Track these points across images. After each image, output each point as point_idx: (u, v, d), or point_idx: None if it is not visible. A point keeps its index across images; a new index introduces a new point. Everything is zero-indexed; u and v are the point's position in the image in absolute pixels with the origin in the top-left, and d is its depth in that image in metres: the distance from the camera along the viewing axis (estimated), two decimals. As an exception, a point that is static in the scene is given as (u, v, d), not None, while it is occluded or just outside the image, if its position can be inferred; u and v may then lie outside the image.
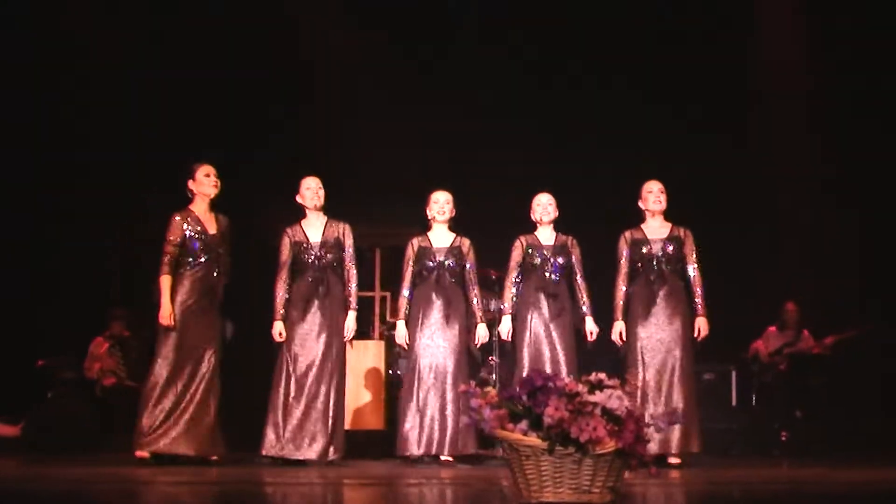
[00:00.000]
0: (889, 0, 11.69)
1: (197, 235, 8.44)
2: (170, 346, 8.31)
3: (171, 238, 8.41)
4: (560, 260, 8.93)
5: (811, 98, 12.37)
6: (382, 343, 10.47)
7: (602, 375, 5.23)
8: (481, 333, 8.87)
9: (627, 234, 8.88)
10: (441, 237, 8.96)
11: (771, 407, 11.48)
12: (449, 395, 8.68)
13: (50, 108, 12.07)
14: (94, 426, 10.92)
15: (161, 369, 8.28)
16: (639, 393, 8.39)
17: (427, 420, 8.66)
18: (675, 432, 8.39)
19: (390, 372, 10.74)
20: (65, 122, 12.12)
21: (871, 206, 12.01)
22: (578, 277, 8.96)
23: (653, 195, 8.81)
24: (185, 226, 8.44)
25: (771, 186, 12.46)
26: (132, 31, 12.20)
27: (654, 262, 8.75)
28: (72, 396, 11.19)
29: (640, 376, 8.51)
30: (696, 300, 8.71)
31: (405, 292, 8.96)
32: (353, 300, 8.73)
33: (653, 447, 8.06)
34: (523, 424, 5.13)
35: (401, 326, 8.91)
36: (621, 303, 8.81)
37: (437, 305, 8.85)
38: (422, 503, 5.61)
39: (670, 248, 8.77)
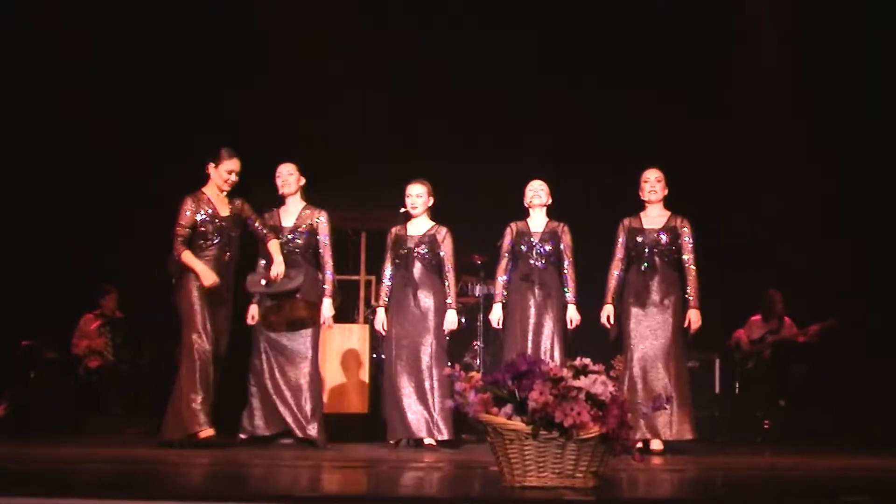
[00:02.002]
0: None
1: (208, 218, 8.47)
2: (198, 326, 8.31)
3: (182, 221, 8.44)
4: (548, 247, 8.96)
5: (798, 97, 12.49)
6: (367, 327, 10.49)
7: (587, 360, 5.25)
8: (450, 319, 8.92)
9: (626, 221, 8.94)
10: (417, 226, 9.02)
11: (754, 395, 11.54)
12: (426, 382, 8.78)
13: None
14: (76, 407, 10.92)
15: (198, 346, 8.29)
16: (626, 379, 8.45)
17: (407, 405, 8.70)
18: (666, 418, 8.45)
19: (374, 356, 10.75)
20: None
21: (856, 197, 12.10)
22: (566, 264, 9.01)
23: (648, 185, 8.88)
24: (196, 208, 8.46)
25: (756, 175, 12.52)
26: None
27: (648, 251, 8.78)
28: (54, 377, 11.19)
29: (629, 362, 8.56)
30: (689, 290, 8.72)
31: (384, 280, 9.04)
32: (328, 287, 8.82)
33: (642, 432, 8.18)
34: (507, 408, 5.14)
35: (380, 313, 9.04)
36: (613, 286, 8.85)
37: (409, 292, 8.91)
38: (404, 486, 5.61)
39: (665, 238, 8.80)
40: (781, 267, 12.32)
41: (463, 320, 11.56)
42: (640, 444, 7.93)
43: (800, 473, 6.77)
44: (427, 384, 8.78)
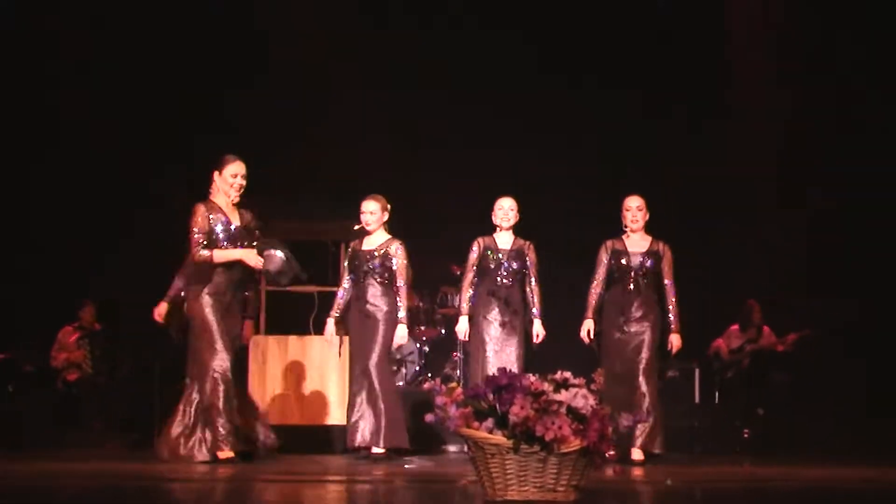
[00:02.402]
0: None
1: (222, 227, 8.17)
2: (216, 344, 8.04)
3: (197, 228, 8.10)
4: (515, 265, 9.09)
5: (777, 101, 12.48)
6: (347, 338, 10.50)
7: (567, 374, 5.27)
8: (399, 334, 8.94)
9: (609, 243, 9.07)
10: (372, 241, 9.06)
11: (733, 404, 11.55)
12: (374, 392, 8.80)
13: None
14: (55, 420, 10.90)
15: (219, 368, 8.00)
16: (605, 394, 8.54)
17: (361, 414, 8.80)
18: (639, 431, 8.58)
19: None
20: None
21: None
22: (532, 281, 9.13)
23: (630, 213, 9.01)
24: (208, 215, 8.16)
25: (736, 185, 12.48)
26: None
27: (632, 273, 8.94)
28: (32, 390, 11.17)
29: (608, 377, 8.61)
30: (671, 316, 8.92)
31: (338, 293, 9.13)
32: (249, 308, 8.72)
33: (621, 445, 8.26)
34: (489, 422, 5.15)
35: (329, 323, 9.10)
36: (593, 303, 8.99)
37: (361, 306, 8.95)
38: (386, 501, 5.63)
39: (649, 262, 8.96)
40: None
41: (442, 331, 11.65)
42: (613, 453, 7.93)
43: (779, 484, 6.79)
44: (374, 394, 8.81)
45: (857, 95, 12.08)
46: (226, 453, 7.97)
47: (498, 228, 9.17)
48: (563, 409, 5.13)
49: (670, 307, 8.91)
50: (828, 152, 12.18)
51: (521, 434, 5.07)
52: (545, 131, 12.49)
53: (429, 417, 5.30)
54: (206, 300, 8.11)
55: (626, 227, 9.03)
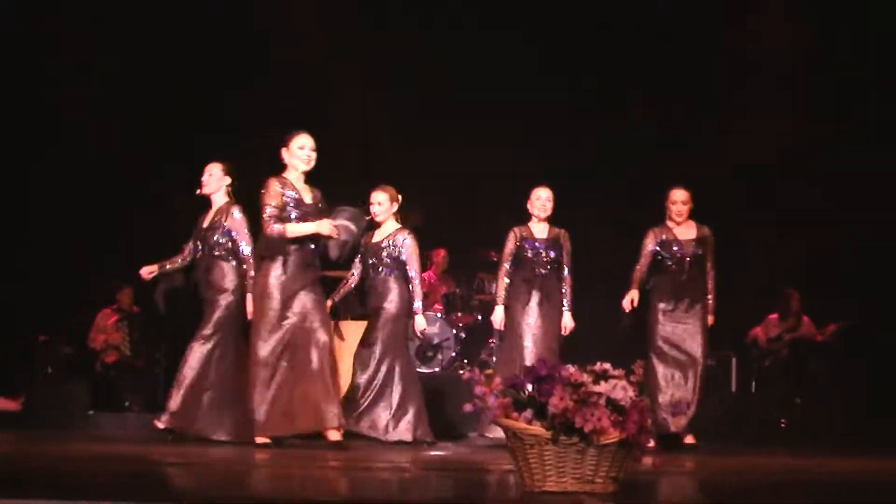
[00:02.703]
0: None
1: (294, 203, 7.96)
2: (269, 324, 7.86)
3: (271, 201, 7.89)
4: (552, 254, 9.09)
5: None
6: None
7: (607, 365, 5.24)
8: (417, 325, 9.00)
9: (657, 230, 9.18)
10: (381, 231, 9.08)
11: (770, 393, 11.56)
12: (378, 381, 8.86)
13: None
14: (93, 402, 10.86)
15: (263, 351, 7.85)
16: (653, 381, 8.67)
17: (369, 403, 8.86)
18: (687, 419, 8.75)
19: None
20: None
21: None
22: (565, 271, 9.18)
23: (675, 207, 9.16)
24: (282, 189, 7.95)
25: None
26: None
27: (686, 260, 9.07)
28: (70, 372, 11.15)
29: (657, 365, 8.83)
30: (709, 297, 9.08)
31: (347, 278, 9.19)
32: (248, 282, 8.46)
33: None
34: (527, 413, 5.13)
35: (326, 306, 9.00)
36: (638, 278, 9.08)
37: (374, 298, 8.99)
38: (421, 490, 5.60)
39: (699, 250, 9.11)
40: (788, 264, 12.36)
41: (479, 317, 11.65)
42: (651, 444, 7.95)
43: (815, 476, 6.77)
44: (378, 382, 8.86)
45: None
46: (262, 438, 7.89)
47: (535, 219, 9.16)
48: (603, 401, 5.09)
49: (710, 289, 9.07)
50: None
51: (559, 425, 5.04)
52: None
53: (467, 407, 5.27)
54: (274, 278, 7.94)
55: (670, 218, 9.14)
